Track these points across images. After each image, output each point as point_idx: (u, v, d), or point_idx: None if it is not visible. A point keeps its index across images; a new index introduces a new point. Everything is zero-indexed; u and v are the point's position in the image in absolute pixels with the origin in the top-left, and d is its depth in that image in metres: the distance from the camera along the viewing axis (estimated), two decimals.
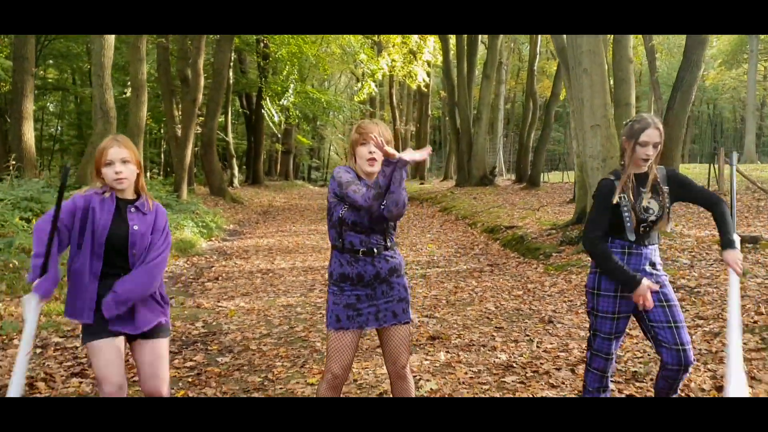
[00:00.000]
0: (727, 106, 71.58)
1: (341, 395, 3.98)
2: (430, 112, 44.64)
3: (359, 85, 34.35)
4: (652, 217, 3.92)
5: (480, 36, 31.13)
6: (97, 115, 14.48)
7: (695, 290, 7.74)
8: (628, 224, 3.90)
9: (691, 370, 3.94)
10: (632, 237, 3.91)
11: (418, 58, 32.64)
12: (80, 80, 38.11)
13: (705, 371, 5.33)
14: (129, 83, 20.35)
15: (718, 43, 60.64)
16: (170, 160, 31.18)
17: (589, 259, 4.30)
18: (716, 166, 19.96)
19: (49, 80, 36.48)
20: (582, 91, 10.71)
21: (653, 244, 3.99)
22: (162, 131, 36.45)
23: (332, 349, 3.72)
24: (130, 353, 3.84)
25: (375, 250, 3.69)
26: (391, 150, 3.38)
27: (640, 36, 38.47)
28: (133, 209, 3.64)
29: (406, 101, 51.48)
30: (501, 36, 28.98)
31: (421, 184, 36.84)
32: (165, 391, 3.70)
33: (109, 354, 3.52)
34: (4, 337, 6.60)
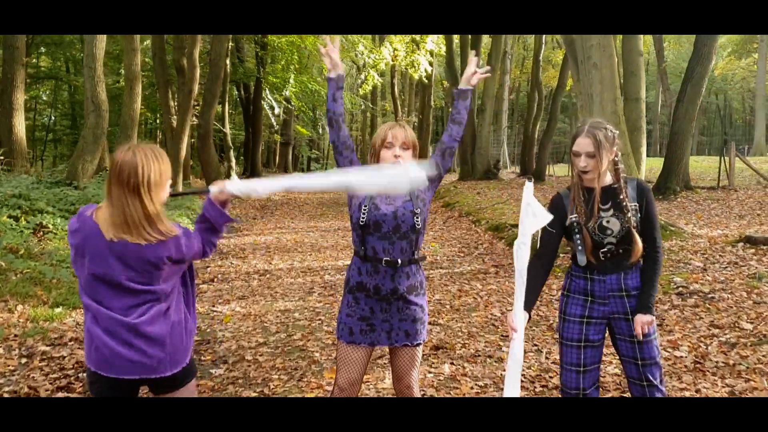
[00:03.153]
0: (736, 97, 71.37)
1: None
2: (432, 103, 44.10)
3: (362, 76, 34.09)
4: (611, 239, 3.53)
5: None
6: (88, 108, 14.30)
7: (709, 296, 7.56)
8: (579, 248, 3.56)
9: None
10: (583, 262, 3.57)
11: (421, 47, 32.32)
12: (74, 69, 37.90)
13: (722, 386, 5.18)
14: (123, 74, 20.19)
15: None
16: (167, 151, 30.81)
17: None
18: (726, 159, 19.85)
19: (42, 69, 36.30)
20: (591, 86, 10.49)
21: (623, 271, 3.57)
22: (158, 122, 36.22)
23: (341, 361, 3.61)
24: None
25: (399, 261, 3.50)
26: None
27: None
28: None
29: (408, 91, 51.14)
30: None
31: None
32: None
33: None
34: None
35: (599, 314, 3.60)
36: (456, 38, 30.25)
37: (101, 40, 14.07)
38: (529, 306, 3.43)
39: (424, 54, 32.44)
